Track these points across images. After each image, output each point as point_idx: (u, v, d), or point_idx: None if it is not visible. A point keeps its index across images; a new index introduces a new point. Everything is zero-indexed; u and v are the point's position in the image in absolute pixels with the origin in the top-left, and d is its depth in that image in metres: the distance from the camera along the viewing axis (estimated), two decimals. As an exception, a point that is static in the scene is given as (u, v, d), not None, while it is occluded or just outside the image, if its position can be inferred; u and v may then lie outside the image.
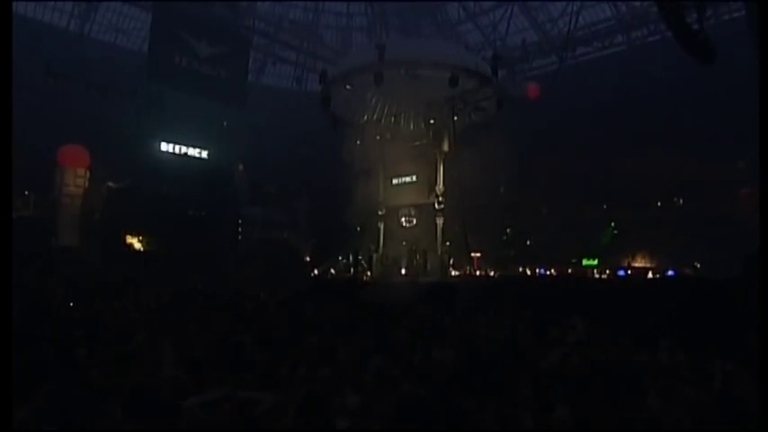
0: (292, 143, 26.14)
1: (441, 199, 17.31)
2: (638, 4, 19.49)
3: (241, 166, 27.05)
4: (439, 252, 16.91)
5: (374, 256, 18.12)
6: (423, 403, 2.99)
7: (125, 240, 22.39)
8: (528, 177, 22.00)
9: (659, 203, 21.67)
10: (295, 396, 2.86)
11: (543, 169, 21.52)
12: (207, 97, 24.23)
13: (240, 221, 25.71)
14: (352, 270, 17.42)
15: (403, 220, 19.05)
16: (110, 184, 22.86)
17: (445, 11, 29.30)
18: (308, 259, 27.06)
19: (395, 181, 19.77)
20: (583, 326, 6.63)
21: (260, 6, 27.75)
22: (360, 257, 18.22)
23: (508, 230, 22.71)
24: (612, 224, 21.67)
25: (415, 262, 16.93)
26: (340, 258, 19.43)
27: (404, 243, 18.99)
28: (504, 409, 3.18)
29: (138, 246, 22.76)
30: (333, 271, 18.31)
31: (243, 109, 25.63)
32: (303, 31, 28.80)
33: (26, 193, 21.06)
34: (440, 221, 17.35)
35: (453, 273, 16.77)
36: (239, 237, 25.70)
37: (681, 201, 21.32)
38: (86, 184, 23.14)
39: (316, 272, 18.93)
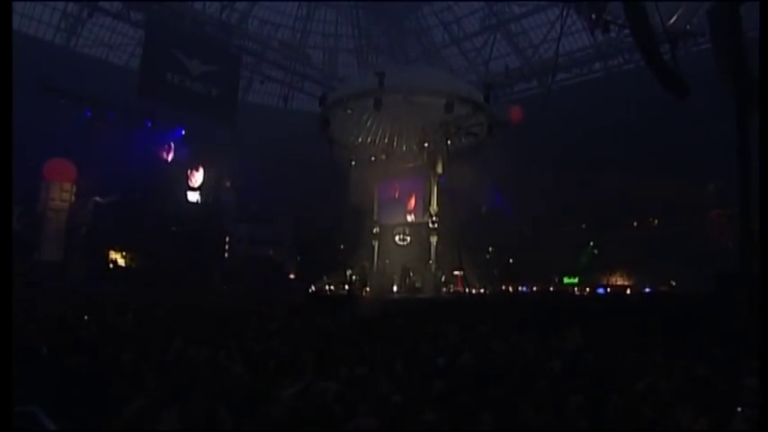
0: (278, 160, 26.48)
1: (435, 218, 17.91)
2: (613, 35, 20.59)
3: (228, 183, 27.27)
4: (432, 270, 17.42)
5: (368, 273, 18.49)
6: (458, 392, 3.49)
7: (109, 256, 22.27)
8: (510, 198, 22.77)
9: (635, 224, 22.60)
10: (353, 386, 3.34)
11: (524, 190, 22.24)
12: (198, 114, 24.56)
13: (227, 238, 25.85)
14: (346, 287, 17.74)
15: (397, 238, 19.53)
16: (96, 198, 22.81)
17: (430, 35, 30.31)
18: (292, 276, 27.21)
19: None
20: (578, 334, 7.24)
21: (250, 26, 28.30)
22: (349, 275, 18.50)
23: (491, 249, 23.22)
24: (592, 244, 22.42)
25: (407, 279, 17.36)
26: (325, 278, 19.66)
27: (387, 261, 19.43)
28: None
29: (122, 262, 22.66)
30: (331, 287, 18.58)
31: (232, 126, 26.01)
32: (291, 51, 29.39)
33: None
34: (434, 240, 17.92)
35: (443, 290, 17.23)
36: (226, 253, 25.81)
37: (656, 221, 22.24)
38: (72, 198, 23.06)
39: (313, 288, 19.19)
